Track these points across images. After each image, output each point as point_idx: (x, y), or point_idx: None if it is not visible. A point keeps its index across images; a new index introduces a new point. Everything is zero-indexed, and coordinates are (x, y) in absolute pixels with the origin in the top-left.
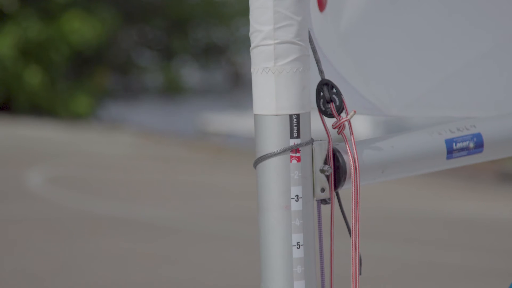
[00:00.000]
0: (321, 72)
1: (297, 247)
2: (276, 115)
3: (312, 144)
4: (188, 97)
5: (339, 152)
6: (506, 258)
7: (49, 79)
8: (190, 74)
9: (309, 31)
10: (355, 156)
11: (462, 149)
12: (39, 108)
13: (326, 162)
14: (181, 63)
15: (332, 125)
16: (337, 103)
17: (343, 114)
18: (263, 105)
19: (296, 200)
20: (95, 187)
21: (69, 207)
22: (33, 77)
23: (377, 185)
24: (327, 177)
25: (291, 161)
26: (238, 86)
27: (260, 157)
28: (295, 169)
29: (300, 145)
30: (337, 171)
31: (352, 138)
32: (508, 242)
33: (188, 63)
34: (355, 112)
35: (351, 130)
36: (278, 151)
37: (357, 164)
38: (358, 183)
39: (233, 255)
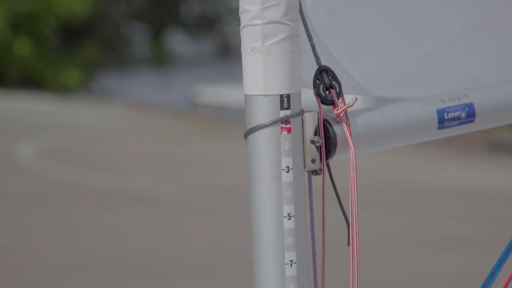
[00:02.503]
0: (317, 58)
1: (288, 218)
2: (265, 95)
3: (302, 115)
4: (179, 69)
5: (329, 123)
6: (498, 227)
7: (39, 52)
8: (180, 45)
9: (303, 15)
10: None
11: (453, 119)
12: (29, 81)
13: (316, 133)
14: (171, 35)
15: (334, 112)
16: (337, 90)
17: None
18: (252, 85)
19: (287, 172)
20: (85, 159)
21: (59, 180)
22: (23, 49)
23: (367, 156)
24: (318, 148)
25: (281, 132)
26: (229, 57)
27: (250, 129)
28: (286, 140)
29: (291, 116)
30: (327, 142)
31: (347, 120)
32: (500, 211)
33: (178, 34)
34: (356, 99)
35: (348, 119)
36: (269, 122)
37: (350, 138)
38: (354, 155)
39: (224, 227)
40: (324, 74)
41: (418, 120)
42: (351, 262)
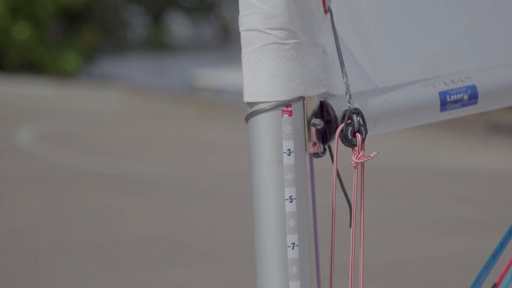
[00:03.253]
0: (350, 97)
1: (290, 201)
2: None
3: (303, 98)
4: (178, 53)
5: (330, 105)
6: (500, 209)
7: (38, 36)
8: (179, 29)
9: (340, 52)
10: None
11: (456, 101)
12: (28, 65)
13: (317, 116)
14: (170, 19)
15: (352, 158)
16: (363, 136)
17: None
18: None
19: (288, 154)
20: (85, 143)
21: (59, 164)
22: (22, 33)
23: (366, 138)
24: (319, 130)
25: (282, 116)
26: (228, 41)
27: (251, 112)
28: (287, 123)
29: (292, 100)
30: (328, 125)
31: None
32: (501, 193)
33: (177, 18)
34: (378, 152)
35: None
36: (270, 106)
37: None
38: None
39: (224, 209)
40: (355, 117)
41: (420, 103)
42: (352, 245)
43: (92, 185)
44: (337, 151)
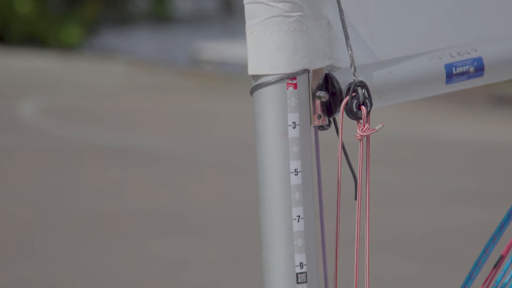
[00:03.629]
0: (354, 70)
1: (295, 174)
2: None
3: (308, 71)
4: (181, 26)
5: (335, 78)
6: (506, 181)
7: (40, 9)
8: (182, 2)
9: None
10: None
11: (462, 74)
12: (31, 38)
13: (322, 88)
14: None
15: (357, 131)
16: (368, 109)
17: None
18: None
19: (293, 127)
20: (88, 116)
21: (62, 137)
22: (24, 6)
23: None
24: (324, 103)
25: (287, 88)
26: (231, 13)
27: (256, 85)
28: (292, 96)
29: (297, 73)
30: (333, 97)
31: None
32: (506, 164)
33: None
34: (383, 125)
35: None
36: (275, 79)
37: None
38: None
39: (227, 182)
40: (360, 90)
41: (426, 75)
42: (357, 217)
43: (94, 158)
44: (342, 124)
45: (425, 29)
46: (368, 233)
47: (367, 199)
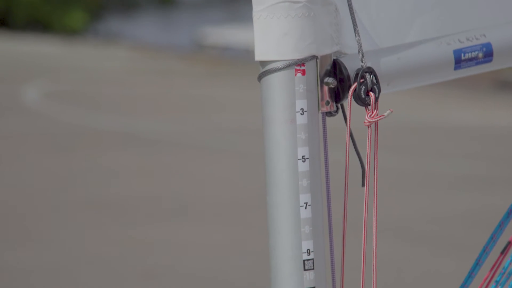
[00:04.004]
0: (362, 56)
1: (303, 161)
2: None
3: (317, 57)
4: (185, 10)
5: (343, 64)
6: (508, 165)
7: None
8: None
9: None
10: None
11: (470, 59)
12: (35, 23)
13: (330, 74)
14: None
15: (366, 117)
16: (377, 95)
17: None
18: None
19: (301, 114)
20: (92, 101)
21: (66, 122)
22: None
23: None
24: (332, 89)
25: (295, 75)
26: None
27: (264, 71)
28: (300, 83)
29: (305, 59)
30: (341, 83)
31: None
32: (509, 149)
33: None
34: (391, 111)
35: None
36: (283, 65)
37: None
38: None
39: (231, 168)
40: (368, 76)
41: (434, 61)
42: (365, 204)
43: (97, 143)
44: (350, 110)
45: (433, 15)
46: (376, 220)
47: (375, 186)
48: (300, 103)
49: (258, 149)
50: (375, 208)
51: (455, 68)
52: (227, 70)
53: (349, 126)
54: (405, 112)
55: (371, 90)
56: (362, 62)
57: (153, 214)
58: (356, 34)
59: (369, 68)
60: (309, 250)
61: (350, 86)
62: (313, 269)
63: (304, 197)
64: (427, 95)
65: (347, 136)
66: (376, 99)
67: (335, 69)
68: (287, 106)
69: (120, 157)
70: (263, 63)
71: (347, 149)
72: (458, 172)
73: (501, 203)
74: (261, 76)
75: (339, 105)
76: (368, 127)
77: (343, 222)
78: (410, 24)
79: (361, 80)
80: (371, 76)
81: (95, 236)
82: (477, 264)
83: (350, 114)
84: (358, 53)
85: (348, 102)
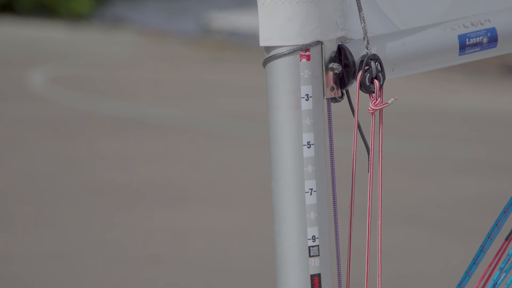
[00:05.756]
0: (367, 43)
1: (308, 147)
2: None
3: (321, 43)
4: None
5: (348, 49)
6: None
7: None
8: None
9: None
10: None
11: (475, 44)
12: (41, 8)
13: (335, 60)
14: None
15: (370, 105)
16: (381, 83)
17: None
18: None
19: (306, 99)
20: (98, 86)
21: (72, 107)
22: None
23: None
24: (337, 75)
25: (300, 60)
26: None
27: (269, 57)
28: (305, 68)
29: (310, 45)
30: (346, 69)
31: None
32: None
33: None
34: (395, 98)
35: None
36: (288, 50)
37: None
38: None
39: (236, 153)
40: (373, 63)
41: (439, 46)
42: (369, 190)
43: (104, 128)
44: (358, 99)
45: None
46: (381, 207)
47: (380, 173)
48: (305, 89)
49: (263, 135)
50: (379, 195)
51: (460, 53)
52: (233, 55)
53: (357, 114)
54: (409, 96)
55: (375, 78)
56: (367, 49)
57: (158, 199)
58: (362, 21)
59: (374, 55)
60: (314, 236)
61: (355, 72)
62: (318, 255)
63: (309, 183)
64: (432, 79)
65: (355, 123)
66: (381, 86)
67: (340, 54)
68: (292, 92)
69: (125, 142)
70: (268, 48)
71: (355, 135)
72: (462, 157)
73: (502, 188)
74: (266, 62)
75: (344, 91)
76: (372, 115)
77: (351, 208)
78: (430, 7)
79: (366, 68)
80: (376, 64)
81: (99, 221)
82: (482, 250)
83: (358, 103)
84: (364, 39)
85: (356, 91)
